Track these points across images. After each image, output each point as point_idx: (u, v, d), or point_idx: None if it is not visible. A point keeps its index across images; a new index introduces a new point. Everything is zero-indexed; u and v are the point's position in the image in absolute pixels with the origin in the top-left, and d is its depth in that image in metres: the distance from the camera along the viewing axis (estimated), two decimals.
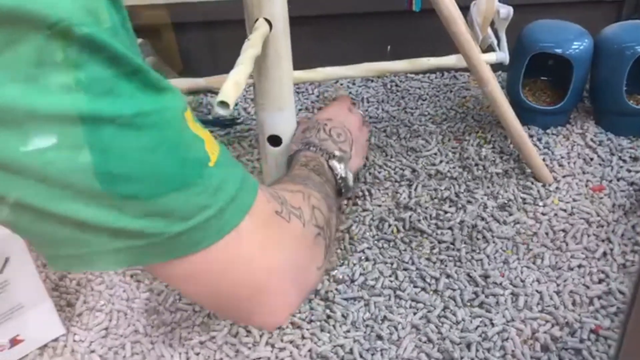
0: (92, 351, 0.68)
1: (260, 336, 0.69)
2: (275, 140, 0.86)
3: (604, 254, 0.77)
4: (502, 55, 0.88)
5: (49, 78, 0.34)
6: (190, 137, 0.41)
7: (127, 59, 0.36)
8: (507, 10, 0.85)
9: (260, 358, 0.67)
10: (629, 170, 0.90)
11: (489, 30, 0.91)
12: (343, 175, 0.70)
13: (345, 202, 0.87)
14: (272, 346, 0.68)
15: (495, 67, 0.87)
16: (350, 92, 1.13)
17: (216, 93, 0.59)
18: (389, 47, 1.16)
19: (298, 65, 0.80)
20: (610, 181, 0.88)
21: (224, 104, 0.60)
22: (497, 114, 0.86)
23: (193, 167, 0.40)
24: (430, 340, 0.67)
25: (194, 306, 0.73)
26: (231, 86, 0.61)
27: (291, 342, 0.68)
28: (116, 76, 0.36)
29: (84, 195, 0.36)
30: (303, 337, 0.69)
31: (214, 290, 0.45)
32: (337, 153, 0.71)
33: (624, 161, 0.92)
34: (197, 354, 0.68)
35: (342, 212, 0.84)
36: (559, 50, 0.94)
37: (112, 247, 0.39)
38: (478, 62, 0.80)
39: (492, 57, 0.87)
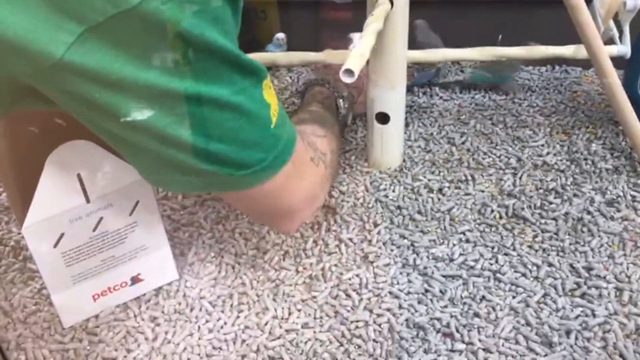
0: (202, 297, 0.73)
1: (359, 301, 0.71)
2: (383, 118, 0.88)
3: None
4: (623, 48, 0.86)
5: (162, 60, 0.46)
6: (263, 106, 0.54)
7: (226, 48, 0.48)
8: (634, 2, 0.83)
9: (358, 321, 0.69)
10: None
11: (611, 23, 0.89)
12: (343, 112, 0.88)
13: (447, 184, 0.88)
14: (371, 311, 0.70)
15: (615, 63, 0.85)
16: (457, 79, 1.13)
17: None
18: (500, 36, 1.15)
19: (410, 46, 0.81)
20: None
21: (349, 72, 0.63)
22: (613, 108, 0.84)
23: (261, 131, 0.54)
24: (528, 324, 0.68)
25: (297, 267, 0.76)
26: (357, 56, 0.64)
27: (389, 310, 0.70)
28: (217, 63, 0.48)
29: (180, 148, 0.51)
30: (400, 307, 0.70)
31: (260, 210, 0.65)
32: (344, 94, 0.89)
33: None
34: (299, 310, 0.71)
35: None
36: None
37: (195, 180, 0.55)
38: (600, 51, 0.78)
39: (612, 49, 0.85)
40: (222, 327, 0.70)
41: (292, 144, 0.59)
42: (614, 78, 0.80)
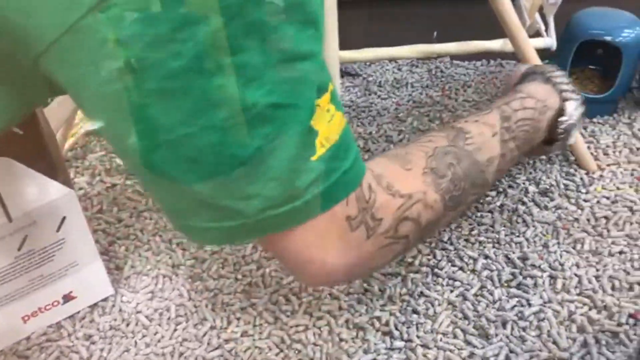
0: (139, 312, 0.72)
1: (299, 305, 0.71)
2: None
3: None
4: (549, 40, 0.88)
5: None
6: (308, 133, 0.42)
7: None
8: None
9: (298, 325, 0.69)
10: None
11: (537, 17, 0.91)
12: (572, 122, 0.62)
13: None
14: (310, 315, 0.70)
15: (544, 55, 0.87)
16: (395, 77, 1.14)
17: None
18: (435, 32, 1.16)
19: (346, 46, 0.82)
20: None
21: None
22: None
23: (298, 167, 0.42)
24: (466, 317, 0.68)
25: (236, 274, 0.75)
26: None
27: (329, 312, 0.70)
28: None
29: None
30: (340, 308, 0.70)
31: (280, 258, 0.48)
32: (575, 96, 0.63)
33: None
34: (238, 318, 0.70)
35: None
36: (608, 38, 0.93)
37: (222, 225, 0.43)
38: (525, 44, 0.80)
39: (539, 42, 0.87)
40: (159, 341, 0.68)
41: (336, 193, 0.45)
42: None
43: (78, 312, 0.71)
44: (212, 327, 0.69)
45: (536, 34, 0.88)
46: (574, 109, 0.63)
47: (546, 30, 0.89)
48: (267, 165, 0.41)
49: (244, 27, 0.39)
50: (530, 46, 0.80)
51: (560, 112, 0.63)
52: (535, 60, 0.81)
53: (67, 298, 0.69)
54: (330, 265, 0.47)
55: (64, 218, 0.64)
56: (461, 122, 0.59)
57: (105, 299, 0.73)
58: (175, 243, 0.81)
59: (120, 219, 0.85)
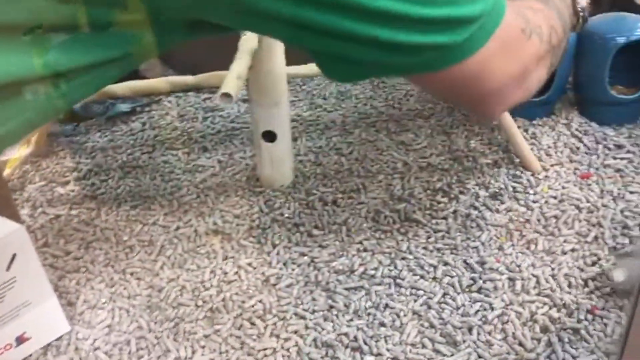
0: (97, 348, 0.68)
1: (265, 327, 0.69)
2: (270, 136, 0.87)
3: (595, 237, 0.79)
4: None
5: None
6: None
7: None
8: None
9: (266, 349, 0.67)
10: (614, 158, 0.92)
11: None
12: (583, 5, 0.67)
13: (340, 195, 0.88)
14: (277, 337, 0.68)
15: None
16: (338, 89, 1.14)
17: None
18: None
19: (294, 62, 0.81)
20: (597, 169, 0.90)
21: (227, 96, 0.61)
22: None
23: None
24: (432, 326, 0.69)
25: (197, 301, 0.73)
26: (234, 79, 0.62)
27: (296, 332, 0.69)
28: None
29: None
30: (307, 327, 0.69)
31: (460, 94, 0.52)
32: None
33: (609, 149, 0.95)
34: (203, 347, 0.68)
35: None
36: None
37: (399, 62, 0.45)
38: None
39: None
40: None
41: (499, 13, 0.48)
42: None
43: (30, 355, 0.67)
44: (177, 359, 0.67)
45: None
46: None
47: None
48: None
49: None
50: None
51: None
52: None
53: (21, 340, 0.65)
54: (522, 72, 0.52)
55: (14, 255, 0.61)
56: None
57: (59, 338, 0.69)
58: (129, 273, 0.78)
59: (68, 252, 0.81)
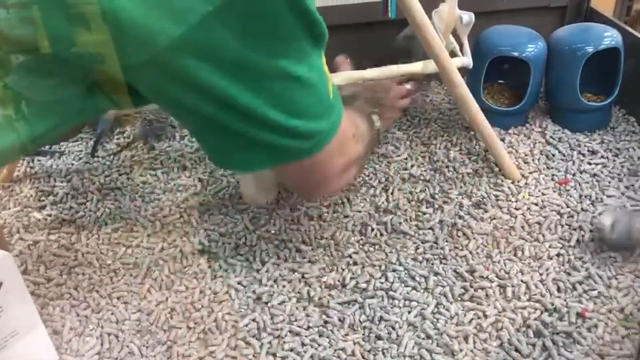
0: None
1: (260, 347, 0.68)
2: None
3: (578, 241, 0.81)
4: (466, 59, 0.92)
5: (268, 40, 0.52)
6: (325, 77, 0.59)
7: (310, 8, 0.52)
8: (469, 17, 0.89)
9: None
10: (589, 163, 0.95)
11: (451, 37, 0.95)
12: (377, 125, 0.84)
13: (325, 210, 0.88)
14: (274, 355, 0.67)
15: (461, 74, 0.90)
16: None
17: None
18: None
19: None
20: (574, 174, 0.93)
21: None
22: (466, 116, 0.90)
23: (324, 102, 0.60)
24: (428, 337, 0.69)
25: (188, 323, 0.72)
26: None
27: (292, 349, 0.68)
28: (303, 29, 0.53)
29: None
30: (303, 344, 0.69)
31: (303, 179, 0.69)
32: (376, 110, 0.86)
33: (584, 155, 0.97)
34: None
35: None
36: (516, 53, 0.99)
37: (265, 156, 0.60)
38: (448, 65, 0.83)
39: (457, 62, 0.90)
40: None
41: (341, 115, 0.64)
42: (464, 88, 0.85)
43: None
44: None
45: (451, 53, 0.92)
46: (376, 117, 0.85)
47: (461, 49, 0.93)
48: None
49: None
50: (454, 66, 0.84)
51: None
52: (459, 79, 0.85)
53: None
54: (347, 168, 0.69)
55: (0, 284, 0.58)
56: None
57: None
58: (116, 297, 0.75)
59: (50, 278, 0.79)
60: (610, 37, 0.99)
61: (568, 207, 0.86)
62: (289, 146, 0.59)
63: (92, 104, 0.54)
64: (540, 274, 0.76)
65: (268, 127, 0.56)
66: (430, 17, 0.92)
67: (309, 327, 0.71)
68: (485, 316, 0.71)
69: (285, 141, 0.58)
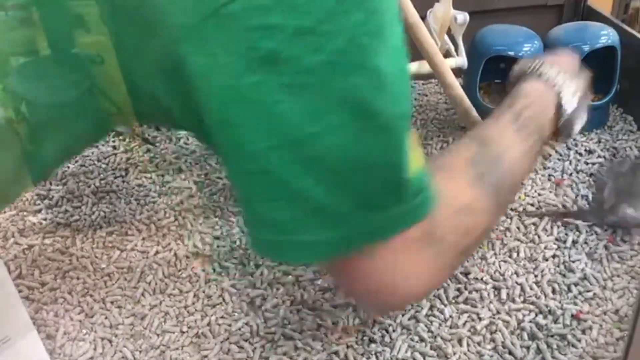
0: None
1: (253, 351, 0.68)
2: None
3: (574, 242, 0.80)
4: (461, 60, 0.91)
5: None
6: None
7: None
8: (463, 16, 0.89)
9: None
10: (586, 163, 0.94)
11: (446, 37, 0.95)
12: (571, 111, 0.62)
13: None
14: (267, 359, 0.67)
15: (456, 74, 0.90)
16: None
17: None
18: None
19: None
20: (571, 174, 0.92)
21: None
22: (462, 117, 0.89)
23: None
24: (422, 339, 0.69)
25: (181, 326, 0.72)
26: None
27: (285, 353, 0.68)
28: None
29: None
30: (296, 348, 0.68)
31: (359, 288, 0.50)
32: (568, 84, 0.63)
33: (580, 154, 0.97)
34: None
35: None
36: (511, 53, 0.98)
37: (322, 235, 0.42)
38: (443, 66, 0.82)
39: (451, 62, 0.90)
40: None
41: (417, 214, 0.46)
42: (458, 89, 0.85)
43: None
44: None
45: (446, 54, 0.92)
46: (570, 96, 0.64)
47: (455, 50, 0.93)
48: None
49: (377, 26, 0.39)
50: (448, 67, 0.83)
51: (559, 105, 0.64)
52: (453, 80, 0.84)
53: None
54: (407, 286, 0.49)
55: None
56: (479, 130, 0.61)
57: None
58: (110, 301, 0.75)
59: (44, 283, 0.79)
60: (607, 36, 0.98)
61: (564, 207, 0.86)
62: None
63: (99, 115, 0.50)
64: (535, 276, 0.76)
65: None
66: (424, 17, 0.92)
67: (302, 331, 0.70)
68: (480, 319, 0.71)
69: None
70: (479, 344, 0.68)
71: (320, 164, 0.40)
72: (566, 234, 0.81)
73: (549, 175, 0.92)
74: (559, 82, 0.63)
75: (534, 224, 0.83)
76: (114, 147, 1.06)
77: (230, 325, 0.71)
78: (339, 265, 0.47)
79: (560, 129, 0.64)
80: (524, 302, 0.72)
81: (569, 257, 0.78)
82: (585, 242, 0.80)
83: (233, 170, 0.43)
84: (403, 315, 0.71)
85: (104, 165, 1.01)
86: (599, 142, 0.99)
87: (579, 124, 0.66)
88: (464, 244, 0.51)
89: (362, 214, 0.42)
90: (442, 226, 0.48)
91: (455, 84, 0.85)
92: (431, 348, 0.68)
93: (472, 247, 0.54)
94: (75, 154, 0.92)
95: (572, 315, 0.70)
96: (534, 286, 0.74)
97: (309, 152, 0.39)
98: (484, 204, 0.52)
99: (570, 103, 0.63)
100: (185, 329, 0.71)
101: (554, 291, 0.73)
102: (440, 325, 0.70)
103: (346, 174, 0.41)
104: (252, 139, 0.39)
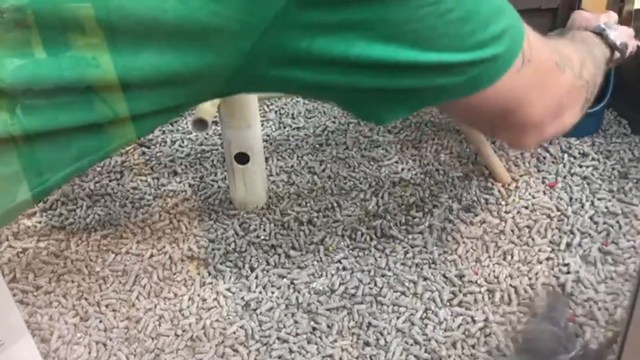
0: None
1: (248, 354, 0.68)
2: (242, 158, 0.86)
3: (568, 245, 0.80)
4: None
5: None
6: None
7: None
8: None
9: None
10: (580, 166, 0.95)
11: None
12: (617, 42, 0.70)
13: (315, 214, 0.88)
14: None
15: None
16: (306, 107, 1.14)
17: None
18: None
19: None
20: (565, 177, 0.93)
21: (201, 122, 0.60)
22: (455, 119, 0.90)
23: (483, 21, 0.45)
24: (416, 342, 0.69)
25: (176, 330, 0.72)
26: (208, 104, 0.61)
27: (280, 357, 0.68)
28: None
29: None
30: (291, 351, 0.69)
31: (498, 120, 0.52)
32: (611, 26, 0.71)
33: (574, 157, 0.97)
34: None
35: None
36: None
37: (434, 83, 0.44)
38: None
39: None
40: None
41: (519, 40, 0.49)
42: None
43: None
44: None
45: None
46: (615, 35, 0.70)
47: None
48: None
49: None
50: None
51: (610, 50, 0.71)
52: None
53: None
54: (557, 105, 0.54)
55: None
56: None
57: None
58: (104, 305, 0.75)
59: (39, 286, 0.78)
60: None
61: (558, 210, 0.86)
62: (437, 85, 0.45)
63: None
64: (529, 278, 0.76)
65: (407, 71, 0.43)
66: None
67: (297, 334, 0.71)
68: (474, 321, 0.71)
69: (429, 81, 0.44)
70: (473, 346, 0.68)
71: None
72: (560, 237, 0.82)
73: (543, 178, 0.93)
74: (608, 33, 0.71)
75: (528, 226, 0.84)
76: None
77: (225, 328, 0.71)
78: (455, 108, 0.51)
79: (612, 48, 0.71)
80: (518, 304, 0.72)
81: (563, 259, 0.78)
82: (579, 245, 0.80)
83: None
84: (398, 318, 0.72)
85: (98, 168, 1.01)
86: (593, 145, 1.00)
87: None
88: (586, 75, 0.58)
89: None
90: (564, 55, 0.55)
91: None
92: (426, 351, 0.68)
93: (591, 86, 0.60)
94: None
95: (567, 318, 0.70)
96: (528, 289, 0.74)
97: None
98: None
99: (611, 36, 0.70)
100: (180, 332, 0.71)
101: (547, 294, 0.73)
102: (434, 328, 0.70)
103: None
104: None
